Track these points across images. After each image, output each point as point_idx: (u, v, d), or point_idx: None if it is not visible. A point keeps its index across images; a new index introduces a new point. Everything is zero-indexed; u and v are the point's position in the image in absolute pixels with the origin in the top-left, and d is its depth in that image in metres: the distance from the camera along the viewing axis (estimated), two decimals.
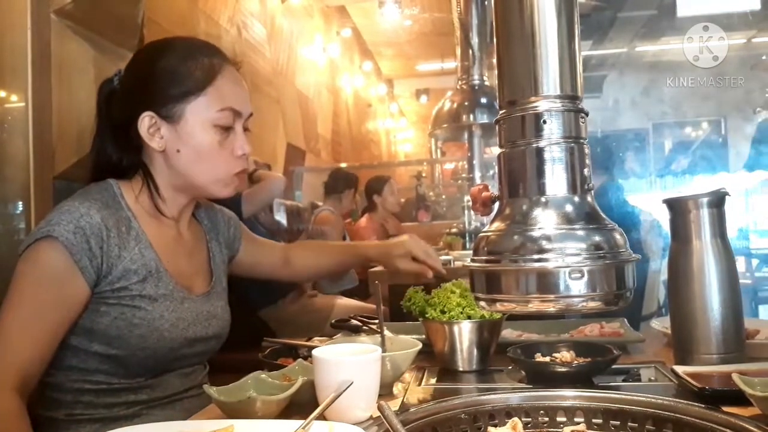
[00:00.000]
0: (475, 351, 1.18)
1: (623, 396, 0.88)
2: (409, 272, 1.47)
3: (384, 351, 1.06)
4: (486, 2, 2.89)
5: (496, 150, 0.81)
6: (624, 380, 1.08)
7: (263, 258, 1.49)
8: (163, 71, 1.14)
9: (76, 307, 1.07)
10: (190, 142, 1.14)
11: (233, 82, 1.18)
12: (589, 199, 0.75)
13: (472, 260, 0.79)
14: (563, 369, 1.05)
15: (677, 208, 1.11)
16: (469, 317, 1.17)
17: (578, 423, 0.88)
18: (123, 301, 1.09)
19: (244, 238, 1.44)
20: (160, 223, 1.20)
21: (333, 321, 1.60)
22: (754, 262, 3.52)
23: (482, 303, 0.78)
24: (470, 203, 3.30)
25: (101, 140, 1.20)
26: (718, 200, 1.09)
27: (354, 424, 0.80)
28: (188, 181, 1.18)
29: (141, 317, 1.10)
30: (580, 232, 0.72)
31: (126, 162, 1.18)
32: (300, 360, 1.08)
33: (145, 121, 1.14)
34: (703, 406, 0.83)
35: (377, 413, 0.84)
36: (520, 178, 0.76)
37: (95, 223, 1.07)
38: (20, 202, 1.85)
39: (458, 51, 3.11)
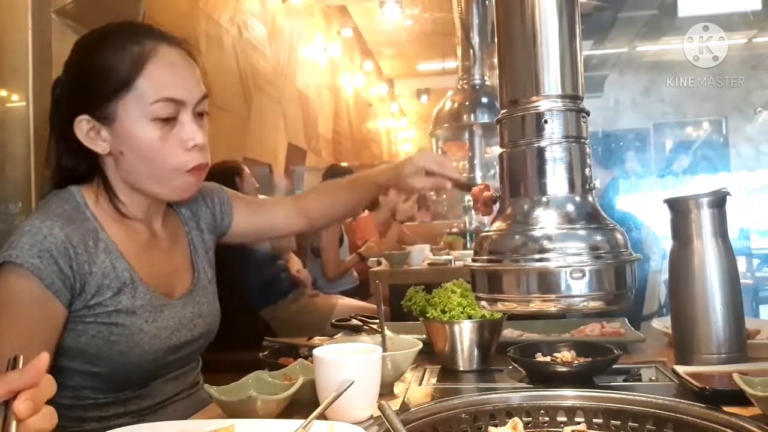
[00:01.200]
0: (475, 351, 1.18)
1: (624, 396, 0.88)
2: (425, 189, 1.38)
3: (384, 351, 1.05)
4: (487, 2, 2.88)
5: (497, 150, 0.81)
6: (625, 380, 1.08)
7: (270, 218, 1.39)
8: (93, 68, 1.05)
9: (60, 328, 1.02)
10: (130, 142, 1.05)
11: (168, 67, 1.06)
12: (590, 198, 0.75)
13: (474, 260, 0.79)
14: (564, 369, 1.05)
15: (678, 208, 1.11)
16: (469, 317, 1.17)
17: (579, 423, 0.88)
18: (99, 318, 1.04)
19: (236, 207, 1.33)
20: (129, 228, 1.12)
21: (333, 320, 1.61)
22: (755, 261, 3.52)
23: (483, 303, 0.78)
24: (471, 203, 3.30)
25: (55, 146, 1.11)
26: (719, 200, 1.08)
27: (355, 424, 0.80)
28: (139, 184, 1.09)
29: (119, 333, 1.04)
30: (582, 232, 0.72)
31: (82, 167, 1.10)
32: (301, 359, 1.08)
33: (82, 126, 1.05)
34: (704, 406, 0.83)
35: (378, 413, 0.84)
36: (521, 178, 0.76)
37: (60, 243, 0.99)
38: (21, 201, 1.86)
39: (459, 51, 3.10)
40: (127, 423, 1.09)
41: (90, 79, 1.05)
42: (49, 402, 1.06)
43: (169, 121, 1.05)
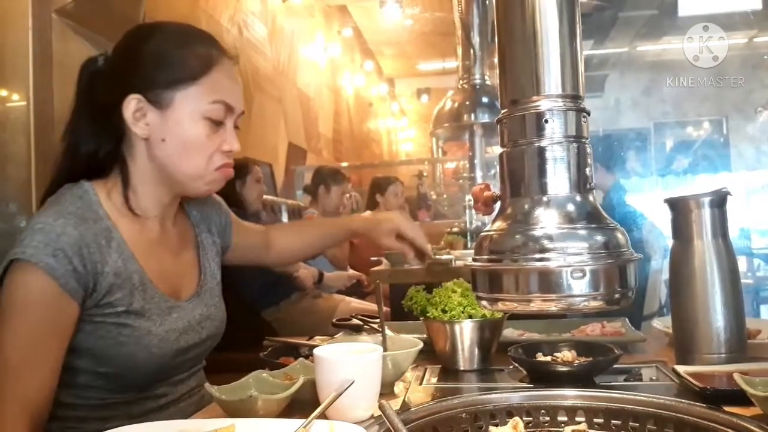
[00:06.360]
0: (476, 350, 1.18)
1: (624, 396, 0.88)
2: (391, 249, 1.45)
3: (385, 350, 1.06)
4: (487, 1, 2.89)
5: (497, 149, 0.81)
6: (625, 380, 1.08)
7: (249, 243, 1.41)
8: (154, 54, 1.09)
9: (72, 327, 1.02)
10: (177, 131, 1.08)
11: (228, 77, 1.12)
12: (590, 198, 0.75)
13: (474, 260, 0.79)
14: (564, 368, 1.05)
15: (679, 207, 1.11)
16: (470, 316, 1.17)
17: (579, 422, 0.87)
18: (108, 318, 1.03)
19: (236, 227, 1.37)
20: (140, 225, 1.12)
21: (334, 320, 1.61)
22: (756, 261, 3.52)
23: (484, 302, 0.78)
24: (472, 203, 3.30)
25: (78, 127, 1.11)
26: (719, 200, 1.08)
27: (355, 423, 0.80)
28: (169, 174, 1.11)
29: (127, 335, 1.04)
30: (582, 232, 0.72)
31: (103, 153, 1.10)
32: (301, 359, 1.08)
33: (132, 104, 1.07)
34: (705, 405, 0.83)
35: (378, 412, 0.84)
36: (521, 178, 0.76)
37: (74, 242, 0.99)
38: (21, 201, 1.86)
39: (459, 50, 3.11)
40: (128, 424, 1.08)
41: (149, 63, 1.08)
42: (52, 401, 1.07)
43: (218, 123, 1.10)
